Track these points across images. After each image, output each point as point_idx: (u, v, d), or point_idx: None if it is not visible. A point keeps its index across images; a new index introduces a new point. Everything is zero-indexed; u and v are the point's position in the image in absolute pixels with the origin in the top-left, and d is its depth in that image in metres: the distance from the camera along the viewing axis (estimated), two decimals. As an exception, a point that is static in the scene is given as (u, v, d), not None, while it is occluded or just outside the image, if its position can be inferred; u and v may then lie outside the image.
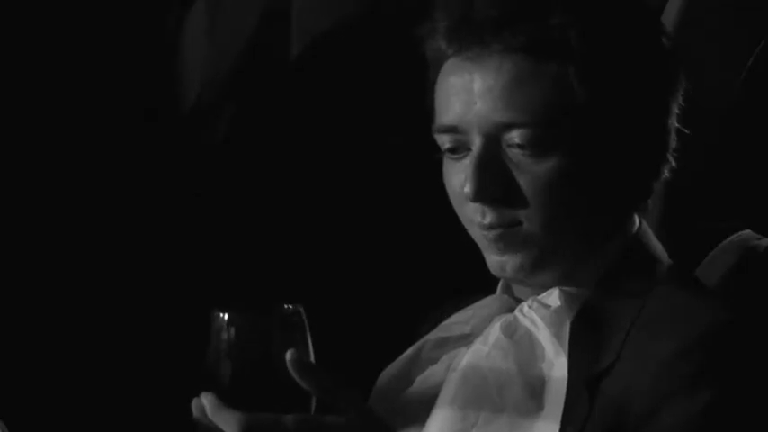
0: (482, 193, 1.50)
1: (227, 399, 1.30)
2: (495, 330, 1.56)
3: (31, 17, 2.44)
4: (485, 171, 1.50)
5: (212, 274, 2.48)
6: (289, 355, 1.29)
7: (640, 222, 1.59)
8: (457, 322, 1.64)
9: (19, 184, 2.45)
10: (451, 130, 1.53)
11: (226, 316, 1.32)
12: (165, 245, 2.52)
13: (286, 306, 1.33)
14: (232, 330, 1.31)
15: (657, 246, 1.59)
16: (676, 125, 1.58)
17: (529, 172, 1.50)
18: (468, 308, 1.64)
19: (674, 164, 1.59)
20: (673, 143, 1.58)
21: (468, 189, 1.50)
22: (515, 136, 1.49)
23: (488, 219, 1.51)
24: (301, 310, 1.33)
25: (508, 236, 1.51)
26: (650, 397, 1.41)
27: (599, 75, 1.49)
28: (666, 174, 1.59)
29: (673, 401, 1.40)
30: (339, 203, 2.48)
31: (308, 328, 1.33)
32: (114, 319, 2.48)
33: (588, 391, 1.45)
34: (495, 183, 1.50)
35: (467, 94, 1.51)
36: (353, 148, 2.46)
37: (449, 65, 1.53)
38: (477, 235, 1.54)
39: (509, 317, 1.56)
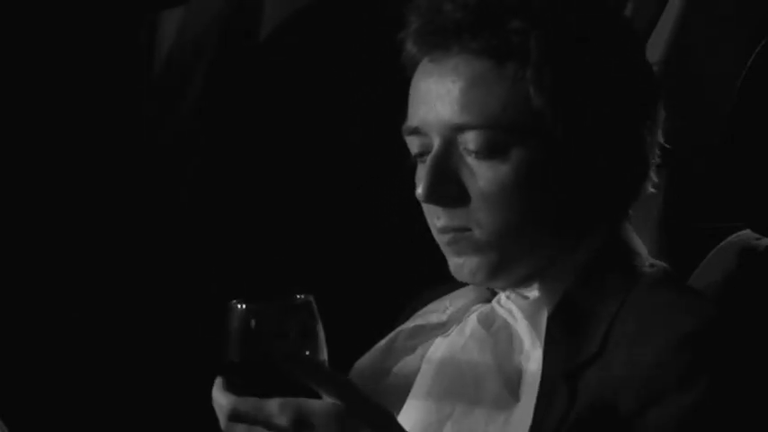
0: (433, 194, 1.50)
1: (236, 385, 1.36)
2: (471, 321, 1.56)
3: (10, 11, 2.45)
4: (438, 172, 1.50)
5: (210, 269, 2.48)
6: (277, 352, 1.35)
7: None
8: (433, 311, 1.64)
9: (8, 182, 2.46)
10: (415, 131, 1.53)
11: (240, 306, 1.38)
12: (169, 241, 2.52)
13: (298, 296, 1.38)
14: (246, 320, 1.37)
15: (636, 240, 1.58)
16: (658, 140, 1.57)
17: (482, 177, 1.49)
18: (445, 297, 1.64)
19: (656, 180, 1.58)
20: (652, 158, 1.56)
21: (419, 189, 1.51)
22: (469, 139, 1.49)
23: (441, 221, 1.52)
24: (312, 299, 1.38)
25: (462, 240, 1.51)
26: (641, 393, 1.41)
27: (556, 82, 1.47)
28: (650, 188, 1.58)
29: (663, 399, 1.40)
30: (319, 196, 2.48)
31: (318, 318, 1.38)
32: (116, 320, 2.48)
33: (568, 382, 1.45)
34: (446, 184, 1.50)
35: (429, 96, 1.51)
36: (326, 136, 2.47)
37: (419, 68, 1.54)
38: (436, 238, 1.54)
39: (486, 308, 1.57)
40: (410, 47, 1.55)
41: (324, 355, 1.39)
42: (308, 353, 1.37)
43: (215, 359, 1.39)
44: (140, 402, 2.45)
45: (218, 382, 1.37)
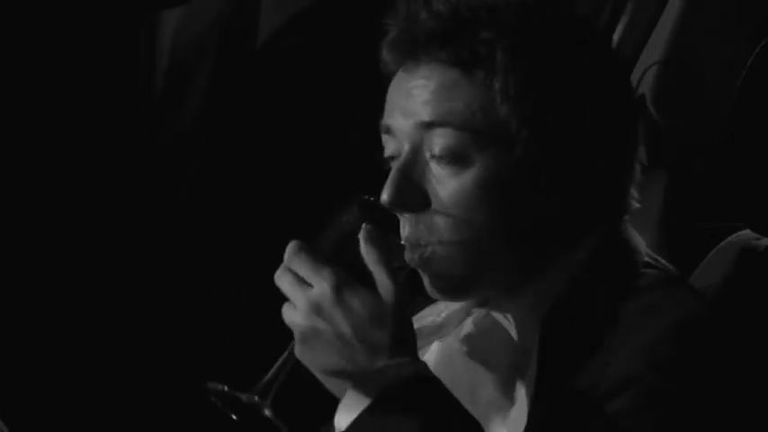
0: (396, 201, 1.50)
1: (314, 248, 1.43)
2: (467, 325, 1.56)
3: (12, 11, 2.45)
4: (403, 179, 1.50)
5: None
6: (367, 224, 1.42)
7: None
8: (429, 314, 1.63)
9: (8, 182, 2.46)
10: (387, 130, 1.54)
11: (368, 199, 1.46)
12: (169, 240, 2.52)
13: None
14: (362, 211, 1.44)
15: (636, 238, 1.58)
16: (640, 160, 1.55)
17: (445, 186, 1.49)
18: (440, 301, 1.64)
19: (637, 195, 1.57)
20: (630, 173, 1.55)
21: (384, 196, 1.51)
22: (436, 139, 1.49)
23: (406, 231, 1.51)
24: None
25: (428, 258, 1.50)
26: (614, 379, 1.41)
27: (522, 92, 1.48)
28: (635, 203, 1.56)
29: (638, 385, 1.40)
30: (318, 195, 2.48)
31: None
32: (116, 320, 2.48)
33: (562, 384, 1.45)
34: (410, 192, 1.50)
35: (400, 102, 1.52)
36: (326, 136, 2.47)
37: (395, 77, 1.56)
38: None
39: (481, 311, 1.56)
40: (385, 55, 1.56)
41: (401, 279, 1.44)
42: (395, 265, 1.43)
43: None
44: (140, 402, 2.45)
45: (300, 241, 1.42)
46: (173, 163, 2.56)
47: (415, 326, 1.62)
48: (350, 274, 1.40)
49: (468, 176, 1.49)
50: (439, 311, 1.63)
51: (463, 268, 1.51)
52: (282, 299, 1.41)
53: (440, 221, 1.50)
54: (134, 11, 2.56)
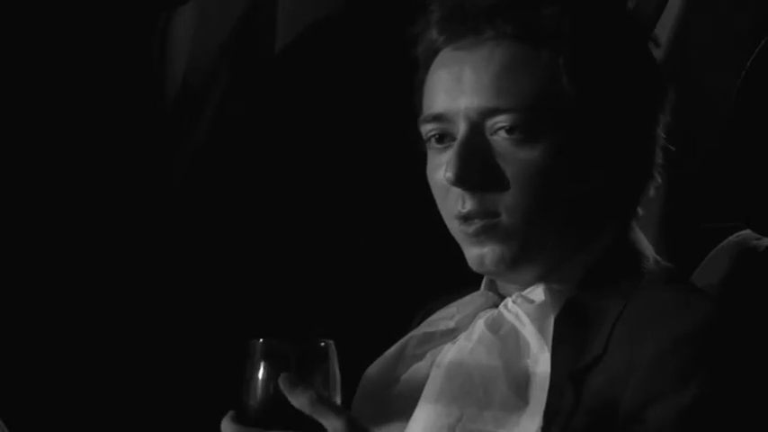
0: (463, 178, 1.50)
1: (250, 420, 1.37)
2: (479, 326, 1.56)
3: (19, 13, 2.45)
4: (468, 156, 1.50)
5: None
6: (282, 375, 1.35)
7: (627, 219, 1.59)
8: (441, 318, 1.64)
9: (12, 184, 2.46)
10: (437, 118, 1.54)
11: (260, 343, 1.38)
12: (169, 242, 2.52)
13: (320, 342, 1.39)
14: (263, 358, 1.38)
15: (644, 241, 1.59)
16: (663, 141, 1.58)
17: (511, 160, 1.50)
18: (453, 304, 1.64)
19: (659, 181, 1.59)
20: (658, 158, 1.58)
21: (449, 173, 1.50)
22: (501, 120, 1.50)
23: (468, 206, 1.51)
24: (332, 344, 1.39)
25: (488, 229, 1.51)
26: (640, 393, 1.42)
27: (587, 69, 1.50)
28: (652, 190, 1.59)
29: (662, 397, 1.40)
30: (328, 201, 2.48)
31: (336, 362, 1.39)
32: (116, 320, 2.48)
33: (574, 385, 1.46)
34: (476, 168, 1.50)
35: (456, 83, 1.52)
36: (339, 143, 2.47)
37: (440, 57, 1.55)
38: (457, 229, 1.54)
39: (493, 312, 1.57)
40: (435, 35, 1.55)
41: (338, 398, 1.39)
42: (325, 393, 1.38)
43: (229, 396, 1.40)
44: (140, 402, 2.45)
45: (230, 413, 1.38)
46: (182, 168, 2.56)
47: (429, 330, 1.63)
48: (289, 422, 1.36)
49: (536, 152, 1.50)
50: (451, 315, 1.63)
51: (521, 243, 1.52)
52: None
53: (506, 195, 1.50)
54: (145, 8, 2.55)
